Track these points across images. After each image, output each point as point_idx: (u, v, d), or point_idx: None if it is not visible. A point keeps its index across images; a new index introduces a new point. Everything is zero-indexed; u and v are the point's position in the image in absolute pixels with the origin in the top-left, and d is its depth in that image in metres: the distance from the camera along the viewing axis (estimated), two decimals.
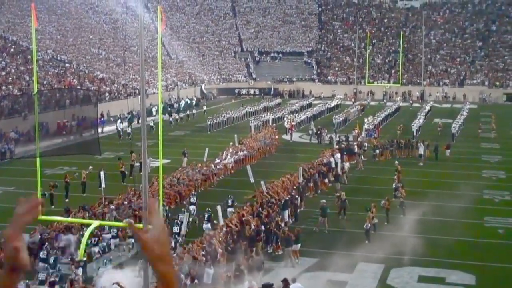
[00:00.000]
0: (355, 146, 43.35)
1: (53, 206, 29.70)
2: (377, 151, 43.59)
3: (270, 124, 57.25)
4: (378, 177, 37.55)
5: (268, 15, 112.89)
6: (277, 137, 49.39)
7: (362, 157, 41.51)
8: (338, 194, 31.02)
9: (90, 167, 34.40)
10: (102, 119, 57.48)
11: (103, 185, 29.94)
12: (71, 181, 33.38)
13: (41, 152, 32.29)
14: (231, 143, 43.36)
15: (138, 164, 35.22)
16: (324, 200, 29.16)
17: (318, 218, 28.62)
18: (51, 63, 69.35)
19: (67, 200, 31.67)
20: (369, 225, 26.06)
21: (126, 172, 37.10)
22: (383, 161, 42.41)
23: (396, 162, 37.75)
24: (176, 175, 33.75)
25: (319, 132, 50.94)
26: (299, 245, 23.77)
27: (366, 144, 45.11)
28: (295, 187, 30.44)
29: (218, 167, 37.00)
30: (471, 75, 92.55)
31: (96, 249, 22.97)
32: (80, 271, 19.83)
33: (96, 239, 23.33)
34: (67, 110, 52.94)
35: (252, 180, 31.60)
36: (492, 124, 60.17)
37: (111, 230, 24.45)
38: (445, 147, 44.18)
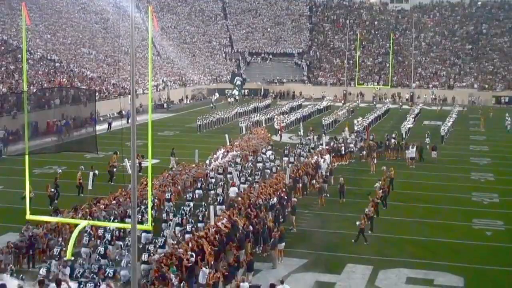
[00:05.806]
0: (343, 148, 43.31)
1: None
2: (364, 152, 43.61)
3: (264, 124, 57.68)
4: (367, 179, 37.56)
5: (259, 16, 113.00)
6: (269, 135, 49.88)
7: (375, 161, 40.69)
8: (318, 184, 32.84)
9: (82, 167, 34.45)
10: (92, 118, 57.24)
11: (89, 186, 30.15)
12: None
13: (38, 150, 32.17)
14: (223, 145, 43.14)
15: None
16: (295, 199, 29.79)
17: (306, 219, 28.87)
18: (41, 63, 69.09)
19: (56, 201, 31.19)
20: (362, 222, 25.94)
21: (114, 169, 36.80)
22: (370, 163, 42.19)
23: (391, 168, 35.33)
24: (166, 176, 33.53)
25: (308, 133, 51.09)
26: (283, 244, 23.78)
27: (352, 145, 45.02)
28: (284, 189, 30.42)
29: (210, 167, 36.85)
30: (460, 78, 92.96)
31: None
32: (67, 270, 19.71)
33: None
34: (62, 108, 52.80)
35: (237, 182, 31.82)
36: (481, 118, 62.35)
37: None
38: (431, 149, 44.30)
